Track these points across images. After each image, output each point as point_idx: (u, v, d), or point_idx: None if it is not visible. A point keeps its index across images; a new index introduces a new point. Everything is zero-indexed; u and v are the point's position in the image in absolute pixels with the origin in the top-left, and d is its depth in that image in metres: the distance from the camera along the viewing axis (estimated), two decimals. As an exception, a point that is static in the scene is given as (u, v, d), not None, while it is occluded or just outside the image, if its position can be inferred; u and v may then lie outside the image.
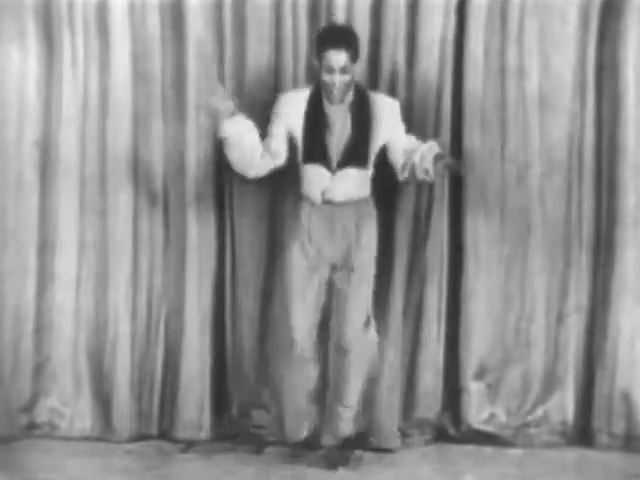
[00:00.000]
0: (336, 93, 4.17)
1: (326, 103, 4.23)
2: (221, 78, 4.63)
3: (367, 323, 4.35)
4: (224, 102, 4.21)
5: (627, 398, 4.63)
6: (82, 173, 4.73)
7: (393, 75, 4.58)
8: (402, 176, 4.31)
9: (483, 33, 4.61)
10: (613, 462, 4.49)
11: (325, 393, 4.48)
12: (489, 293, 4.68)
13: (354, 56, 4.15)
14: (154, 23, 4.68)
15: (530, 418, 4.71)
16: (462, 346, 4.69)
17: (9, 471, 4.23)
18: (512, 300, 4.70)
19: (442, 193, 4.63)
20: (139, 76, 4.70)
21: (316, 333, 4.35)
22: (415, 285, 4.66)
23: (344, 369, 4.36)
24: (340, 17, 4.59)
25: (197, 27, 4.65)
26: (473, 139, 4.63)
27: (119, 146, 4.71)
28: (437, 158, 4.19)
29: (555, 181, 4.67)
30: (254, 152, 4.27)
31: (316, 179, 4.26)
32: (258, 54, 4.65)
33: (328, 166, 4.25)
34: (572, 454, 4.59)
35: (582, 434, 4.70)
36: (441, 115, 4.61)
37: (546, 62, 4.62)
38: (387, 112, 4.29)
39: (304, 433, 4.46)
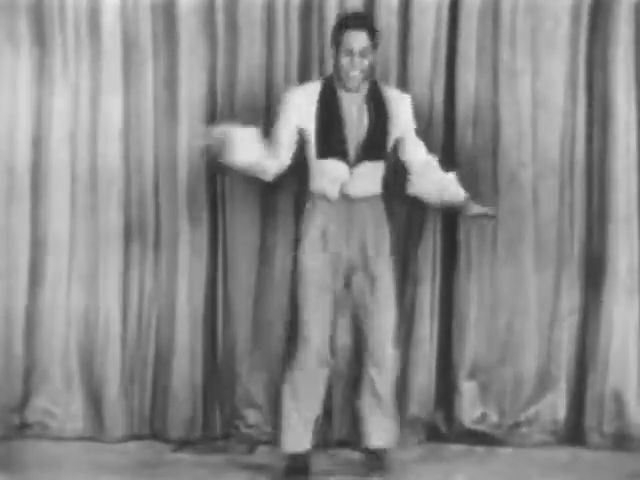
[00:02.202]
0: (353, 78, 4.02)
1: (340, 95, 4.08)
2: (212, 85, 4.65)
3: (395, 338, 4.22)
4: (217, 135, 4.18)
5: (619, 397, 4.64)
6: (73, 173, 4.72)
7: (386, 75, 4.58)
8: (413, 189, 4.27)
9: (475, 33, 4.63)
10: (604, 461, 4.49)
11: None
12: (482, 292, 4.69)
13: (374, 42, 4.03)
14: (146, 24, 4.68)
15: (522, 417, 4.72)
16: (455, 346, 4.70)
17: (2, 471, 4.21)
18: (505, 300, 4.70)
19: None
20: (131, 76, 4.69)
21: (330, 342, 4.18)
22: (408, 284, 4.66)
23: (374, 385, 4.21)
24: (332, 18, 4.57)
25: (189, 28, 4.65)
26: (466, 139, 4.64)
27: (110, 146, 4.70)
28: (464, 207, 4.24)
29: (548, 180, 4.68)
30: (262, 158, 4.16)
31: (334, 174, 4.09)
32: (250, 55, 4.65)
33: (346, 160, 4.10)
34: (564, 453, 4.59)
35: (574, 433, 4.71)
36: (434, 115, 4.63)
37: (538, 62, 4.64)
38: (401, 106, 4.16)
39: (306, 446, 4.21)
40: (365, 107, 4.10)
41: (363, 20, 4.07)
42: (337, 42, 4.02)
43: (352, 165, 4.10)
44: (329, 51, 4.56)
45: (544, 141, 4.66)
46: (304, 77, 4.65)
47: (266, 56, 4.66)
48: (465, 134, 4.65)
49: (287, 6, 4.64)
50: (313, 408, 4.19)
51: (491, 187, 4.65)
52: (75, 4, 4.66)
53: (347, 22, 4.03)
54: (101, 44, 4.67)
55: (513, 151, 4.65)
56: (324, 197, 4.13)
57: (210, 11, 4.65)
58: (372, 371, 4.20)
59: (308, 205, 4.18)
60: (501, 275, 4.69)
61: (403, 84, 4.61)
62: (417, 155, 4.26)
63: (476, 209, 4.27)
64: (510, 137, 4.65)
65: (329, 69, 4.57)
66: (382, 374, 4.20)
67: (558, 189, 4.70)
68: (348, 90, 4.07)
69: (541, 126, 4.65)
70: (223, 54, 4.67)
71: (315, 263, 4.12)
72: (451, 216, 4.62)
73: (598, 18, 4.64)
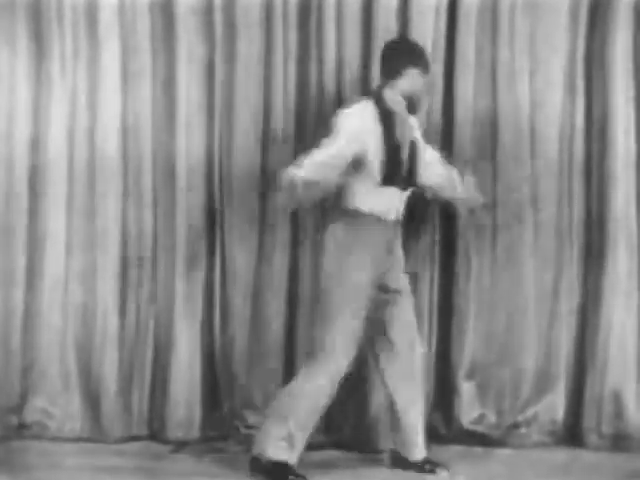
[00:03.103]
0: (401, 113, 4.10)
1: (398, 123, 4.10)
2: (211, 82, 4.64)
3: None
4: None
5: (617, 398, 4.64)
6: (71, 173, 4.72)
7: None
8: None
9: (474, 33, 4.62)
10: (603, 462, 4.49)
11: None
12: (481, 292, 4.69)
13: None
14: (144, 24, 4.68)
15: (520, 418, 4.72)
16: (454, 346, 4.70)
17: (1, 471, 4.21)
18: (504, 300, 4.70)
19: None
20: (129, 77, 4.69)
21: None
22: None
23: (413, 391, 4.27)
24: (331, 18, 4.59)
25: (187, 27, 4.65)
26: (464, 139, 4.63)
27: (108, 146, 4.70)
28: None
29: (547, 180, 4.68)
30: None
31: (392, 199, 4.11)
32: (248, 54, 4.65)
33: (401, 186, 4.13)
34: (562, 454, 4.60)
35: (572, 434, 4.71)
36: (432, 115, 4.62)
37: (537, 61, 4.64)
38: (418, 131, 4.29)
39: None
40: (410, 135, 4.16)
41: (429, 64, 4.16)
42: (399, 72, 4.06)
43: (404, 190, 4.15)
44: (328, 51, 4.58)
45: (543, 141, 4.66)
46: (302, 77, 4.65)
47: (264, 56, 4.66)
48: (464, 134, 4.64)
49: (285, 6, 4.64)
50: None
51: (490, 187, 4.64)
52: (73, 3, 4.66)
53: (418, 60, 4.10)
54: (99, 44, 4.66)
55: (512, 151, 4.65)
56: (377, 218, 4.10)
57: (208, 11, 4.65)
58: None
59: (350, 221, 4.08)
60: (500, 275, 4.69)
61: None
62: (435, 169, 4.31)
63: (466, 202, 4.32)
64: (509, 137, 4.64)
65: (328, 69, 4.59)
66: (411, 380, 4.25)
67: (557, 189, 4.69)
68: (415, 113, 4.19)
69: (540, 126, 4.65)
70: (221, 53, 4.66)
71: (362, 281, 4.06)
72: (451, 216, 4.63)
73: (597, 17, 4.65)
